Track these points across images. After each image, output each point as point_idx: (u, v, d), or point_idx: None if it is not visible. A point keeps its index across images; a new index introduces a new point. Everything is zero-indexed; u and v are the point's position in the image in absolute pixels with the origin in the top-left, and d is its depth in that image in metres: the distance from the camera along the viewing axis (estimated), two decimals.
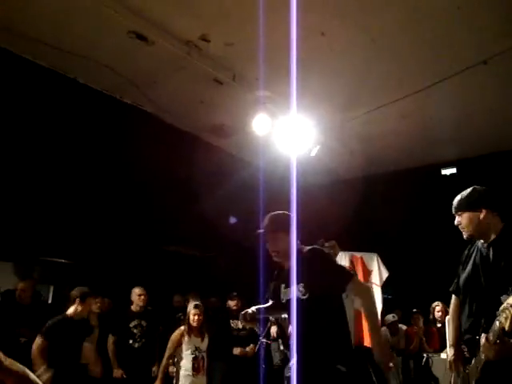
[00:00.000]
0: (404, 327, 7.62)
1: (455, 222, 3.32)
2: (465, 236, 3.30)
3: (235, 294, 7.23)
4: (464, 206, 3.27)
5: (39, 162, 6.44)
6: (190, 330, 5.91)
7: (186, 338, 5.86)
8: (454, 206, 3.34)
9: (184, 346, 5.82)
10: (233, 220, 8.10)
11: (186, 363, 5.76)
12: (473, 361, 3.09)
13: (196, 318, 5.93)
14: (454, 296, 3.47)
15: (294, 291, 3.19)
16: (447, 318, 3.59)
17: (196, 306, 6.04)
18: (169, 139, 7.43)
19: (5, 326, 5.44)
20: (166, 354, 5.79)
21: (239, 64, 6.16)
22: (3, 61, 5.69)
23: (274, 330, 6.72)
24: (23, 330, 5.47)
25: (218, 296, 7.66)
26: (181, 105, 7.09)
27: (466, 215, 3.25)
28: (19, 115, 6.11)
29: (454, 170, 8.79)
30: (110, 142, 6.94)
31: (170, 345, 5.83)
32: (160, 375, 5.73)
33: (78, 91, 6.40)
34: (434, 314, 7.44)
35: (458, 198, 3.34)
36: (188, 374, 5.71)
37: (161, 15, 5.28)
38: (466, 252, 3.38)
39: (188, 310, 6.13)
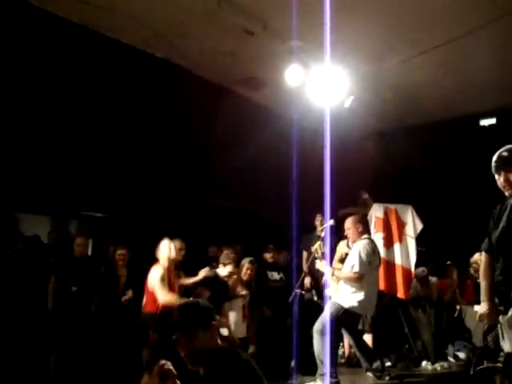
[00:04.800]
0: (434, 279, 7.62)
1: (502, 180, 3.25)
2: (509, 193, 3.26)
3: (272, 246, 7.33)
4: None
5: (75, 116, 6.53)
6: (241, 281, 6.25)
7: (239, 287, 6.20)
8: (499, 163, 3.26)
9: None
10: None
11: (237, 309, 6.09)
12: (509, 312, 3.10)
13: (249, 272, 6.28)
14: (485, 254, 3.44)
15: None
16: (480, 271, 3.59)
17: (251, 262, 6.35)
18: (201, 92, 7.41)
19: (60, 277, 5.83)
20: None
21: (270, 13, 6.03)
22: (35, 19, 5.74)
23: (307, 280, 6.81)
24: (75, 279, 5.81)
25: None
26: (211, 57, 7.02)
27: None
28: (52, 71, 6.18)
29: (493, 121, 8.54)
30: (144, 96, 6.97)
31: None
32: None
33: (108, 46, 6.43)
34: None
35: (504, 155, 3.26)
36: (238, 320, 6.04)
37: None
38: (498, 210, 3.34)
39: (242, 263, 6.38)
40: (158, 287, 5.08)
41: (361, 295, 5.27)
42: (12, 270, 5.79)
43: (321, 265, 5.54)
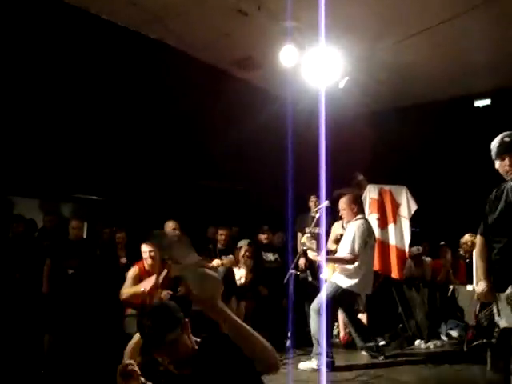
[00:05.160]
0: (428, 259, 7.69)
1: (505, 165, 3.30)
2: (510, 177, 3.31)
3: (266, 227, 7.36)
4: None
5: (70, 98, 6.49)
6: (238, 262, 6.55)
7: (236, 269, 6.47)
8: (502, 149, 3.31)
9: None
10: None
11: None
12: (508, 289, 3.16)
13: (247, 254, 6.54)
14: (480, 236, 3.50)
15: None
16: (474, 253, 3.66)
17: (250, 244, 6.63)
18: (196, 74, 7.36)
19: (55, 260, 5.84)
20: None
21: None
22: (35, 2, 5.66)
23: (302, 261, 6.83)
24: (70, 262, 5.81)
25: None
26: (206, 38, 6.96)
27: None
28: (47, 55, 6.12)
29: (487, 102, 8.54)
30: (139, 78, 6.93)
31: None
32: None
33: (103, 28, 6.36)
34: None
35: (506, 140, 3.30)
36: (233, 301, 6.30)
37: None
38: (493, 195, 3.39)
39: (241, 244, 6.60)
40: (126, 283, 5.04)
41: (359, 275, 5.31)
42: (15, 253, 5.83)
43: (313, 255, 5.57)
